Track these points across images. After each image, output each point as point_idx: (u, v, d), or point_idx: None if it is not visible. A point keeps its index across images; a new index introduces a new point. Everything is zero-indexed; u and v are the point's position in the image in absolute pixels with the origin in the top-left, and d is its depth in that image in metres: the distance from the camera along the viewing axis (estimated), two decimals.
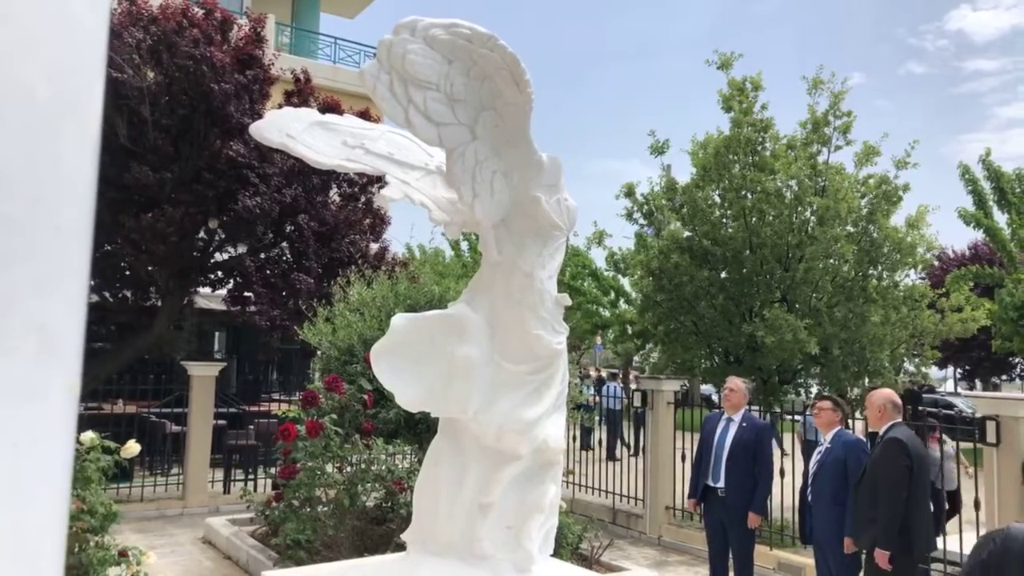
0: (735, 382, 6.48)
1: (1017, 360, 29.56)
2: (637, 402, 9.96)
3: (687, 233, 11.01)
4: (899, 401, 5.35)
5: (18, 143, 0.38)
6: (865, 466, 5.17)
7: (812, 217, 10.30)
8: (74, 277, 0.40)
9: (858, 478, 5.18)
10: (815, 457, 5.67)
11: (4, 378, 0.38)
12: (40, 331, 0.38)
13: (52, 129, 0.39)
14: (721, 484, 6.15)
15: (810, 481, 5.60)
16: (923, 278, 12.19)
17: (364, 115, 9.43)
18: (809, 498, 5.58)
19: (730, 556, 6.31)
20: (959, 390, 31.35)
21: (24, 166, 0.38)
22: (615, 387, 16.67)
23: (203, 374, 10.14)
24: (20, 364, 0.38)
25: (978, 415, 6.77)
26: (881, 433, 5.18)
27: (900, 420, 5.23)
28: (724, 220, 10.75)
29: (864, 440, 6.05)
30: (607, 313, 26.48)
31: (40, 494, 0.39)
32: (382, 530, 6.65)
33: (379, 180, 11.16)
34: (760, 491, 6.15)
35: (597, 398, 14.49)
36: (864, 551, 5.16)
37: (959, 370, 34.60)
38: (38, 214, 0.38)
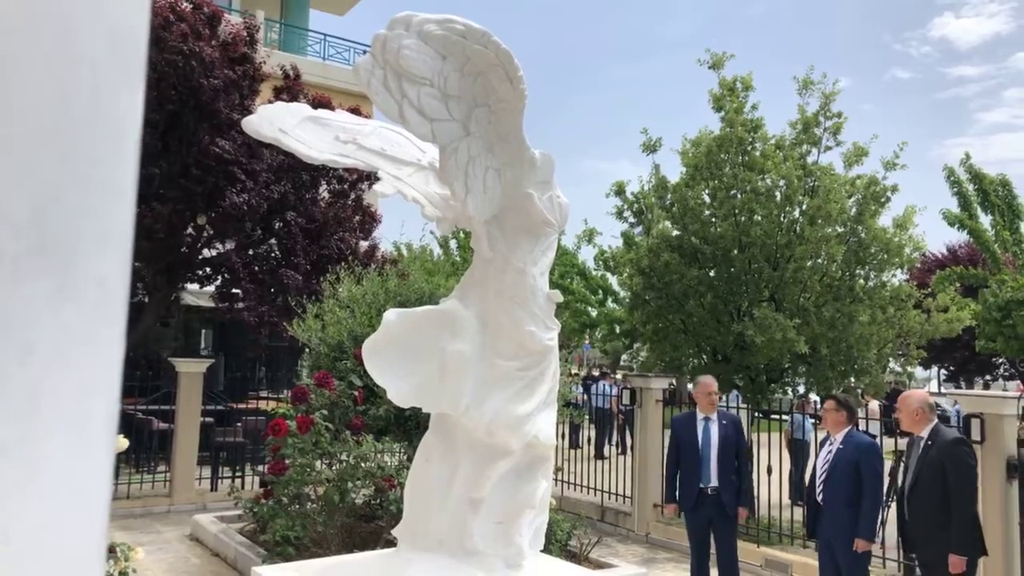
0: (714, 383, 6.47)
1: (1000, 360, 29.86)
2: (626, 400, 10.00)
3: (677, 232, 11.06)
4: (933, 402, 5.22)
5: (86, 106, 0.39)
6: (918, 471, 4.95)
7: (801, 217, 10.36)
8: (124, 236, 0.41)
9: (911, 482, 4.97)
10: (824, 457, 5.56)
11: (70, 327, 0.39)
12: (100, 284, 0.39)
13: (111, 92, 0.40)
14: (714, 484, 6.10)
15: (820, 481, 5.51)
16: (908, 279, 12.29)
17: (355, 112, 9.41)
18: (819, 498, 5.50)
19: (710, 554, 6.31)
20: (942, 390, 31.66)
21: (89, 127, 0.39)
22: (604, 386, 16.72)
23: (190, 371, 10.09)
24: (84, 314, 0.39)
25: (963, 413, 6.85)
26: (926, 435, 4.99)
27: (937, 421, 5.11)
28: (714, 219, 10.80)
29: (877, 443, 5.98)
30: (595, 312, 26.56)
31: (97, 439, 0.40)
32: (371, 527, 6.65)
33: (369, 178, 11.17)
34: (747, 484, 6.21)
35: (585, 397, 14.53)
36: (920, 560, 4.94)
37: (943, 370, 34.94)
38: (99, 174, 0.40)
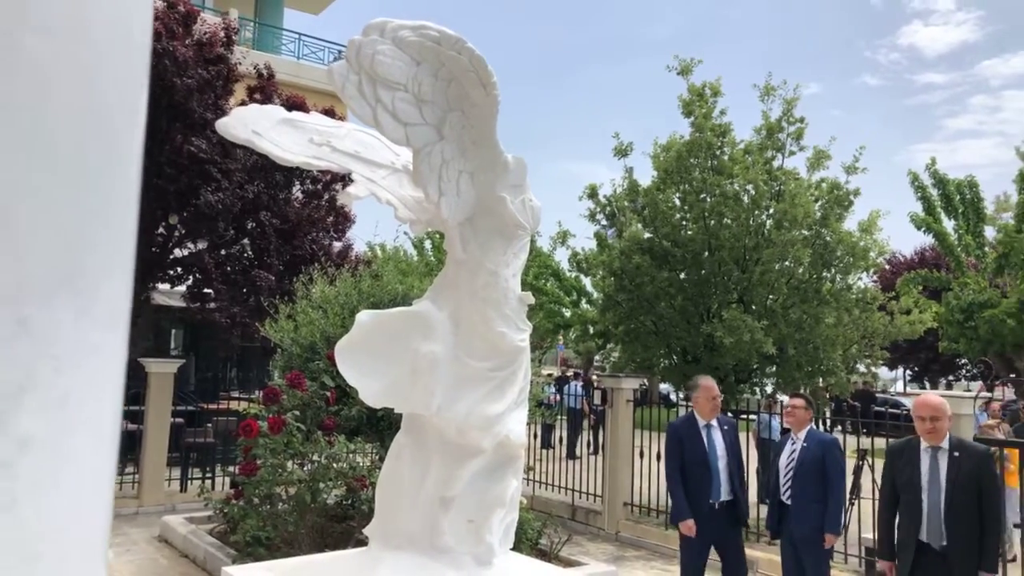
0: (715, 385, 5.92)
1: (963, 362, 30.54)
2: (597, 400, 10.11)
3: (648, 234, 11.20)
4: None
5: (103, 154, 0.46)
6: (952, 486, 4.57)
7: (768, 220, 10.56)
8: (129, 267, 0.49)
9: (948, 499, 4.56)
10: (787, 455, 5.58)
11: (89, 342, 0.47)
12: (111, 307, 0.47)
13: (126, 136, 0.47)
14: (725, 498, 5.67)
15: (786, 480, 5.51)
16: (875, 282, 12.58)
17: (329, 113, 9.41)
18: (784, 496, 5.51)
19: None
20: (907, 390, 32.29)
21: (102, 184, 0.47)
22: (576, 386, 16.84)
23: (161, 371, 10.01)
24: (98, 332, 0.47)
25: None
26: (948, 446, 4.64)
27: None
28: (684, 222, 10.97)
29: (837, 439, 5.91)
30: (569, 313, 26.72)
31: (109, 434, 0.48)
32: (342, 527, 6.67)
33: (343, 178, 11.15)
34: (746, 493, 5.90)
35: (558, 396, 14.63)
36: None
37: (908, 371, 35.63)
38: (113, 210, 0.47)
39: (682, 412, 10.27)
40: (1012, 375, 19.06)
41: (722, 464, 5.68)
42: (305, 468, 6.47)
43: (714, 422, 5.78)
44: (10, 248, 0.43)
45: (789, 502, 5.49)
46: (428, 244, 26.02)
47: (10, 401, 0.45)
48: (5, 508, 0.45)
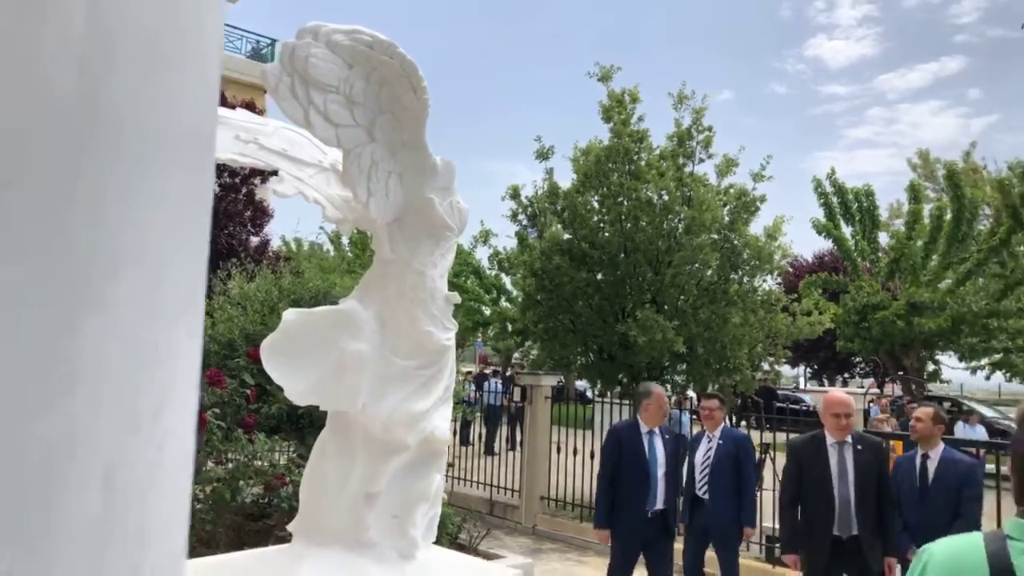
0: (664, 394, 5.89)
1: (858, 360, 32.39)
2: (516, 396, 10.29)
3: (567, 236, 11.47)
4: None
5: (203, 204, 0.57)
6: (860, 478, 4.76)
7: (680, 225, 11.00)
8: (200, 288, 0.60)
9: (859, 492, 4.77)
10: (703, 452, 5.80)
11: (195, 357, 0.58)
12: (201, 321, 0.57)
13: (207, 190, 0.58)
14: (659, 507, 5.60)
15: (702, 476, 5.74)
16: (779, 284, 13.24)
17: (249, 106, 9.23)
18: (701, 492, 5.73)
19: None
20: (806, 386, 34.01)
21: (199, 209, 0.57)
22: (496, 383, 17.03)
23: None
24: (198, 346, 0.58)
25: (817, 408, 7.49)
26: (851, 440, 4.86)
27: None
28: (602, 225, 11.29)
29: (749, 435, 6.22)
30: (488, 311, 26.90)
31: (194, 431, 0.60)
32: (259, 525, 6.60)
33: (261, 172, 10.95)
34: (679, 502, 5.90)
35: (478, 394, 14.76)
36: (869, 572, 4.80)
37: (808, 369, 37.52)
38: (204, 241, 0.58)
39: (598, 408, 10.58)
40: (900, 372, 20.39)
41: (661, 473, 5.60)
42: (221, 467, 6.38)
43: (656, 430, 5.72)
44: (158, 282, 0.53)
45: (705, 497, 5.74)
46: (345, 240, 25.69)
47: (158, 410, 0.56)
48: (150, 492, 0.58)
